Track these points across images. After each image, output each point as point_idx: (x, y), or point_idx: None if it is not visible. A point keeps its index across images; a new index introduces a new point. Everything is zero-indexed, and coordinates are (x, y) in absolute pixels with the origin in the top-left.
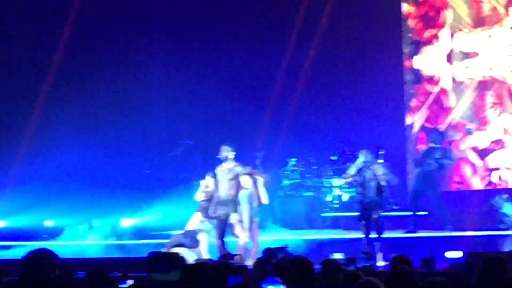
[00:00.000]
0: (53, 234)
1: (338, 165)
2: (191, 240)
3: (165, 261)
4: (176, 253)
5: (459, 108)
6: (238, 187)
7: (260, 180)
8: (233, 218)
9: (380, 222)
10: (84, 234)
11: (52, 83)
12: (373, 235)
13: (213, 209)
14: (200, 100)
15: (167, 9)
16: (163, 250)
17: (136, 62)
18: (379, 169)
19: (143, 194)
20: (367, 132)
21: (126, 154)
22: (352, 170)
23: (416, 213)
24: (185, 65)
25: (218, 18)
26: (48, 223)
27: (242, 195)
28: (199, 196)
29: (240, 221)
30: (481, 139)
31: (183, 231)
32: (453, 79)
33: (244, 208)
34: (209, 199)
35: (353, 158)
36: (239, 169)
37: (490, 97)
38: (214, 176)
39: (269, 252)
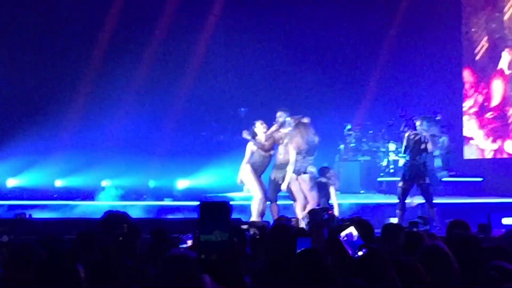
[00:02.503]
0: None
1: (394, 129)
2: None
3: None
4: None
5: None
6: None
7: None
8: (310, 168)
9: (426, 188)
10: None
11: (107, 47)
12: (421, 200)
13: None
14: (255, 65)
15: None
16: None
17: (195, 26)
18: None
19: (199, 157)
20: (425, 97)
21: (182, 117)
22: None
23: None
24: (243, 29)
25: None
26: (105, 184)
27: None
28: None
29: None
30: None
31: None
32: None
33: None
34: None
35: (411, 123)
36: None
37: None
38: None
39: (314, 213)
